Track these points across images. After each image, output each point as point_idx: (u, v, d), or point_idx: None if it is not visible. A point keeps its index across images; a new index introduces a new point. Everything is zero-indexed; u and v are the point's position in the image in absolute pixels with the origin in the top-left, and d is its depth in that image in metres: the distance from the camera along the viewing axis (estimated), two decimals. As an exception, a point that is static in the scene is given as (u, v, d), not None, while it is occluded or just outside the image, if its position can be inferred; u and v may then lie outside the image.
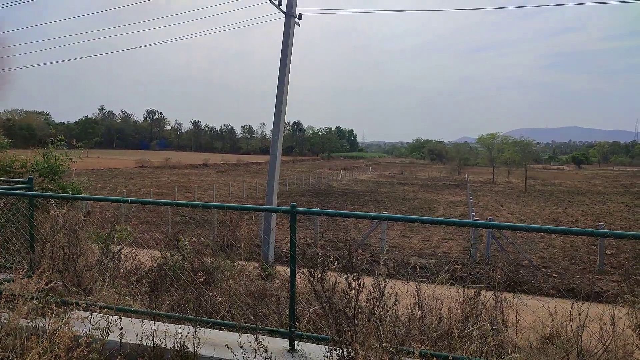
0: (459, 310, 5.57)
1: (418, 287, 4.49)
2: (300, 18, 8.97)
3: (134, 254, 7.11)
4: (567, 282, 10.33)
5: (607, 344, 3.93)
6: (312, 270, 2.98)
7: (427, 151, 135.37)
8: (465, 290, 5.65)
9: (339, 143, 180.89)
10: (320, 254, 2.98)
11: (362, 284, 2.98)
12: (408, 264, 11.50)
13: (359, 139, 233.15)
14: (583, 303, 4.88)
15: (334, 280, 3.11)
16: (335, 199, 32.48)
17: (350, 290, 2.91)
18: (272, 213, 7.21)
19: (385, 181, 55.84)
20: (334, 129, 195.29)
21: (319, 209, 17.88)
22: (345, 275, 2.91)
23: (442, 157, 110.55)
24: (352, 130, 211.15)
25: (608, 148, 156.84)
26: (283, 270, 7.82)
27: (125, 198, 4.58)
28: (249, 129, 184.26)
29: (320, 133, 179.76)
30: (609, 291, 9.76)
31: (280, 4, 8.56)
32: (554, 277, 11.01)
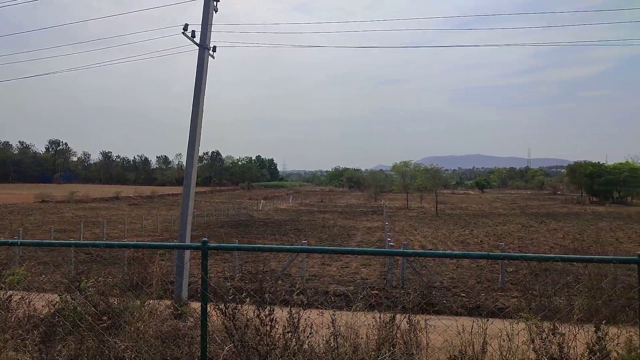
0: (375, 336, 5.69)
1: (333, 316, 4.52)
2: (214, 50, 8.94)
3: (27, 300, 6.43)
4: (473, 301, 10.99)
5: (507, 358, 4.22)
6: (224, 308, 2.88)
7: (345, 179, 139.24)
8: (381, 316, 5.80)
9: (259, 172, 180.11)
10: (231, 290, 2.90)
11: (274, 319, 2.94)
12: (327, 292, 11.56)
13: (279, 168, 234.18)
14: (487, 320, 5.24)
15: (250, 315, 3.04)
16: (255, 229, 32.04)
17: (263, 327, 2.86)
18: (193, 249, 6.91)
19: (306, 209, 56.28)
20: (254, 158, 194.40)
21: (232, 244, 17.52)
22: (257, 311, 2.85)
23: (360, 185, 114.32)
24: (272, 160, 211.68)
25: (506, 173, 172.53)
26: (198, 307, 7.47)
27: (14, 240, 4.15)
28: (164, 159, 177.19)
29: (240, 162, 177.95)
30: (509, 307, 10.53)
31: (193, 36, 8.48)
32: (462, 296, 11.66)
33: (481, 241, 24.94)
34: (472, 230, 31.22)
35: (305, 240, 22.34)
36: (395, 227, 32.93)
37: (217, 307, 3.00)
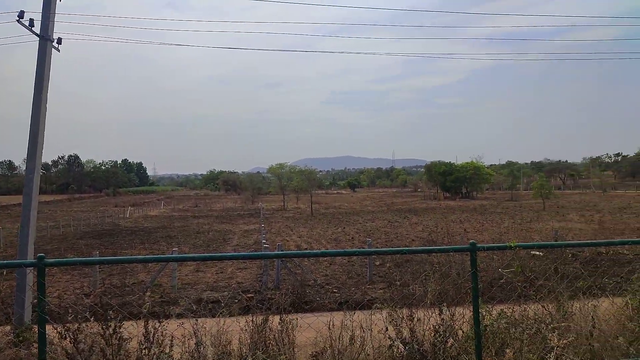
0: (249, 340, 5.62)
1: (195, 326, 4.34)
2: (60, 43, 7.95)
3: None
4: (344, 295, 11.54)
5: (365, 347, 4.47)
6: (62, 330, 2.56)
7: (221, 182, 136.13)
8: (254, 319, 5.76)
9: (127, 177, 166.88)
10: (70, 309, 2.59)
11: (121, 337, 2.70)
12: (200, 300, 11.14)
13: (149, 172, 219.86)
14: (354, 313, 5.52)
15: (95, 334, 2.75)
16: (122, 238, 29.60)
17: (109, 347, 2.61)
18: (27, 267, 5.99)
19: (179, 215, 53.72)
20: (120, 162, 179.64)
21: (74, 259, 16.05)
22: (102, 331, 2.59)
23: (237, 188, 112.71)
24: (141, 163, 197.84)
25: (374, 173, 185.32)
26: (49, 330, 6.60)
27: None
28: (9, 165, 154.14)
29: (103, 167, 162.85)
30: (377, 298, 11.29)
31: (32, 25, 7.44)
32: (334, 292, 12.18)
33: (352, 238, 26.34)
34: (344, 228, 32.83)
35: (176, 248, 21.30)
36: (272, 229, 33.15)
37: (56, 330, 2.66)
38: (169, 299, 12.01)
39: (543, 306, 4.61)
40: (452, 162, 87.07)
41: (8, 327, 6.19)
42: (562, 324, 4.32)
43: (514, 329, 4.37)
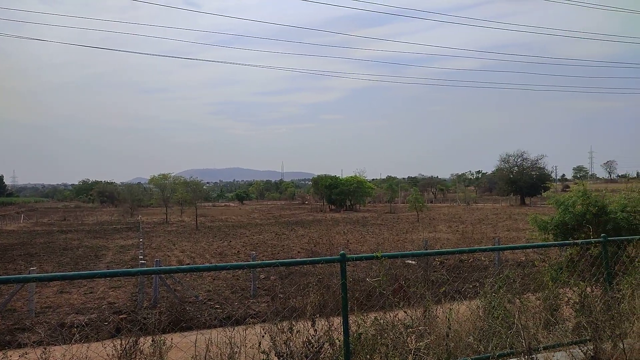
0: (114, 365, 5.18)
1: (43, 354, 3.88)
2: None
3: None
4: (227, 311, 11.25)
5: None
6: None
7: (96, 193, 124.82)
8: (122, 342, 5.33)
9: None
10: None
11: None
12: (63, 324, 10.00)
13: (7, 181, 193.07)
14: (233, 329, 5.38)
15: None
16: (-34, 258, 25.43)
17: None
18: None
19: (43, 230, 47.93)
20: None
21: None
22: None
23: (114, 199, 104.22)
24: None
25: (263, 186, 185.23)
26: None
27: None
28: None
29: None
30: (259, 312, 11.20)
31: None
32: (217, 308, 11.81)
33: (238, 251, 25.90)
34: (230, 241, 32.15)
35: (35, 267, 18.94)
36: (152, 244, 31.17)
37: None
38: (24, 326, 10.59)
39: (405, 311, 4.97)
40: (337, 175, 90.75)
41: None
42: (421, 327, 4.70)
43: (382, 335, 4.62)
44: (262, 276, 16.23)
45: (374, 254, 4.63)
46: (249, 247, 27.49)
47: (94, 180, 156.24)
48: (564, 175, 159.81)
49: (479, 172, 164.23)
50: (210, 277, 16.62)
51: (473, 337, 4.87)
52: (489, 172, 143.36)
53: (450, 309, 5.09)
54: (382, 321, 4.86)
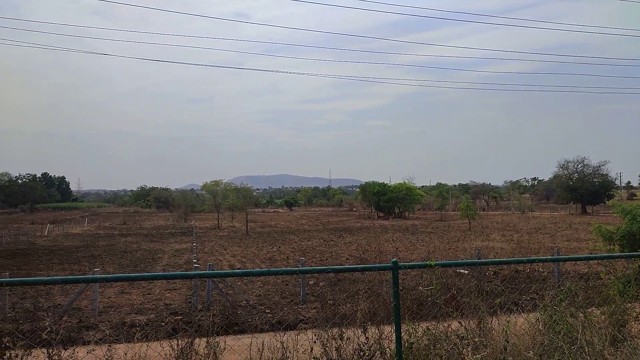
0: (173, 365, 5.37)
1: (108, 352, 4.08)
2: (-31, 44, 7.34)
3: None
4: (277, 316, 11.38)
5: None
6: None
7: (152, 199, 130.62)
8: (179, 342, 5.52)
9: (46, 192, 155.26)
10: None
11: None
12: (124, 323, 10.50)
13: (73, 187, 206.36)
14: (284, 334, 5.45)
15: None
16: (38, 258, 27.37)
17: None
18: None
19: (105, 233, 50.70)
20: (39, 176, 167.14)
21: None
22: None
23: (169, 205, 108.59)
24: (63, 178, 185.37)
25: (311, 192, 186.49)
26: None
27: None
28: None
29: (20, 181, 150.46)
30: (309, 318, 11.25)
31: None
32: (267, 312, 11.98)
33: (287, 257, 26.19)
34: (279, 247, 32.58)
35: (98, 268, 20.02)
36: (204, 248, 32.17)
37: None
38: (88, 324, 11.21)
39: (461, 322, 4.83)
40: (385, 182, 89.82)
41: None
42: (477, 340, 4.55)
43: (435, 346, 4.52)
44: (311, 282, 16.31)
45: (427, 262, 4.54)
46: (297, 253, 27.73)
47: (150, 186, 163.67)
48: (629, 182, 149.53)
49: (534, 178, 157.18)
50: (260, 282, 16.90)
51: (533, 351, 4.66)
52: (546, 179, 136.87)
53: (508, 322, 4.89)
54: (435, 331, 4.75)
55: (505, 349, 4.51)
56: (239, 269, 21.63)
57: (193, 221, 69.36)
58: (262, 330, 10.26)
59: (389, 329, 5.43)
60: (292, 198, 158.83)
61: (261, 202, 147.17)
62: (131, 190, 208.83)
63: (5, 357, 2.41)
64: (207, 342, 5.61)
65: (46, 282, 2.92)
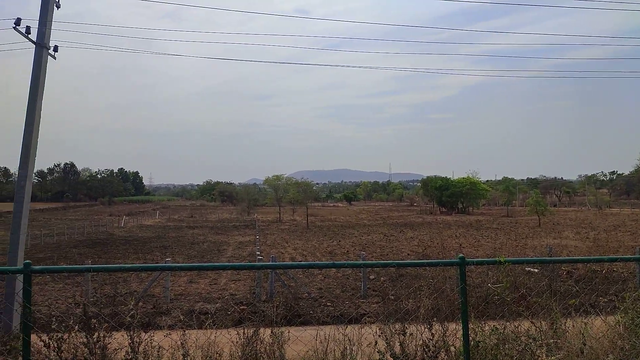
0: (239, 353, 5.57)
1: (182, 337, 4.30)
2: (56, 50, 7.99)
3: None
4: (338, 309, 11.46)
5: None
6: (47, 339, 2.54)
7: (217, 193, 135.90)
8: (245, 331, 5.71)
9: (123, 186, 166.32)
10: (55, 318, 2.57)
11: (104, 346, 2.68)
12: (192, 311, 11.05)
13: (145, 181, 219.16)
14: (346, 327, 5.48)
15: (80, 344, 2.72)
16: (115, 247, 29.42)
17: (92, 356, 2.58)
18: (14, 273, 5.96)
19: (174, 225, 53.49)
20: (116, 171, 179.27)
21: (61, 266, 15.89)
22: (85, 340, 2.57)
23: (233, 199, 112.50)
24: (137, 173, 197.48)
25: (370, 187, 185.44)
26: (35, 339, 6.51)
27: None
28: (4, 172, 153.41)
29: (99, 176, 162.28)
30: (371, 312, 11.22)
31: (28, 32, 7.48)
32: (328, 305, 12.10)
33: (347, 251, 26.26)
34: (339, 241, 32.73)
35: (170, 258, 21.17)
36: (267, 241, 33.02)
37: (40, 339, 2.63)
38: (161, 310, 11.90)
39: (533, 322, 4.59)
40: (448, 177, 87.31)
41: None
42: (552, 341, 4.31)
43: (504, 346, 4.34)
44: (372, 277, 16.25)
45: (496, 258, 4.36)
46: (357, 248, 27.73)
47: (215, 181, 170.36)
48: None
49: (613, 172, 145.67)
50: (321, 275, 17.09)
51: (612, 355, 4.34)
52: (626, 172, 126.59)
53: (585, 323, 4.59)
54: (505, 330, 4.56)
55: (582, 352, 4.24)
56: (299, 261, 22.00)
57: (255, 214, 71.41)
58: (324, 323, 10.39)
59: (453, 327, 5.29)
60: (351, 192, 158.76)
61: (321, 196, 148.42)
62: (197, 185, 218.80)
63: (94, 337, 2.62)
64: (272, 332, 5.75)
65: (128, 269, 3.13)
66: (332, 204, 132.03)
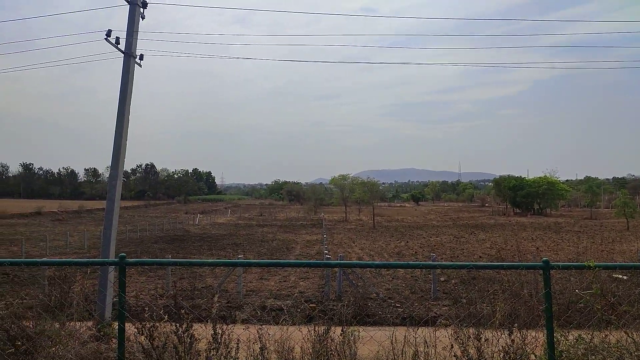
0: (310, 349, 5.66)
1: (260, 331, 4.44)
2: (142, 59, 8.63)
3: None
4: (408, 311, 11.27)
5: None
6: (140, 326, 2.73)
7: (285, 192, 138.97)
8: (316, 329, 5.78)
9: (197, 186, 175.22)
10: (147, 308, 2.76)
11: (192, 335, 2.83)
12: (264, 307, 11.38)
13: (217, 181, 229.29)
14: (417, 329, 5.38)
15: (169, 332, 2.91)
16: (191, 244, 31.03)
17: (181, 344, 2.74)
18: (110, 265, 6.52)
19: (245, 223, 55.42)
20: (190, 171, 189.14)
21: (152, 259, 16.84)
22: (175, 329, 2.73)
23: (300, 198, 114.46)
24: (210, 173, 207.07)
25: (439, 187, 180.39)
26: (127, 326, 7.05)
27: None
28: (93, 172, 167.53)
29: (176, 176, 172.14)
30: (442, 315, 10.92)
31: (118, 42, 8.14)
32: (397, 306, 11.94)
33: (416, 252, 25.75)
34: (407, 241, 32.18)
35: (242, 255, 21.95)
36: (334, 240, 33.23)
37: (134, 326, 2.84)
38: (235, 304, 12.38)
39: (626, 332, 4.23)
40: (523, 176, 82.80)
41: (90, 323, 6.69)
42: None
43: (593, 357, 4.04)
44: (442, 279, 15.82)
45: (585, 262, 4.07)
46: (426, 249, 27.11)
47: (283, 180, 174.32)
48: None
49: None
50: (389, 276, 16.90)
51: None
52: None
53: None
54: (592, 340, 4.25)
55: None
56: (366, 261, 21.91)
57: (322, 214, 72.11)
58: (393, 324, 10.28)
59: (532, 334, 5.02)
60: (418, 192, 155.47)
61: (387, 196, 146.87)
62: (266, 184, 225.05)
63: (183, 327, 2.79)
64: (342, 330, 5.77)
65: (210, 264, 3.30)
66: (398, 204, 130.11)
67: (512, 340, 4.07)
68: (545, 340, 4.29)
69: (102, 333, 6.11)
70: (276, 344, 4.85)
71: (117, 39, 8.09)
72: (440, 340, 4.62)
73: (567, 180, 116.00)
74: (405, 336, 5.07)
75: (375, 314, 10.90)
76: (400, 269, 17.76)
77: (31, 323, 5.88)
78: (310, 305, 11.65)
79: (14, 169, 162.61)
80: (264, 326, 5.09)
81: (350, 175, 69.35)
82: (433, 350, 4.44)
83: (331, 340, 5.71)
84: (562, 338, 4.77)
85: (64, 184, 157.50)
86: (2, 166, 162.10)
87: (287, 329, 5.82)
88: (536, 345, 4.96)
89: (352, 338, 5.67)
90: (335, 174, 68.41)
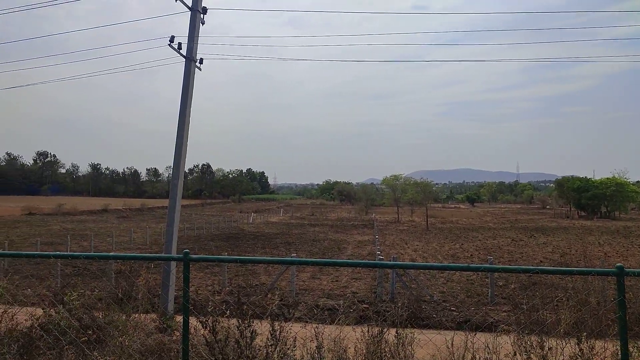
0: (364, 350, 5.65)
1: (317, 329, 4.48)
2: (201, 62, 8.99)
3: (9, 314, 6.30)
4: (463, 315, 10.95)
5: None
6: (205, 320, 2.84)
7: (336, 192, 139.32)
8: (370, 330, 5.76)
9: (250, 185, 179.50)
10: (210, 303, 2.87)
11: (253, 330, 2.91)
12: (317, 306, 11.47)
13: (270, 181, 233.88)
14: (474, 334, 5.22)
15: (230, 327, 3.01)
16: (246, 242, 31.84)
17: (243, 339, 2.82)
18: (174, 261, 6.84)
19: (297, 223, 56.10)
20: (244, 171, 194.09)
21: (213, 256, 17.28)
22: (238, 324, 2.82)
23: (351, 198, 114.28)
24: (263, 173, 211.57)
25: (496, 188, 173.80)
26: (191, 320, 7.36)
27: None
28: (154, 172, 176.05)
29: (230, 175, 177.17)
30: (499, 321, 10.52)
31: (180, 47, 8.52)
32: (452, 310, 11.63)
33: (471, 255, 24.98)
34: (462, 244, 31.28)
35: (295, 253, 22.23)
36: (386, 241, 32.90)
37: (198, 320, 2.96)
38: (288, 303, 12.56)
39: None
40: (588, 177, 78.07)
41: (154, 315, 7.04)
42: None
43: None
44: (500, 283, 15.24)
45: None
46: (482, 252, 26.22)
47: (334, 180, 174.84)
48: None
49: None
50: (443, 279, 16.51)
51: None
52: None
53: None
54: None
55: None
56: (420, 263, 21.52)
57: (373, 214, 71.58)
58: (448, 328, 10.02)
59: (600, 344, 4.73)
60: (474, 193, 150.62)
61: (441, 197, 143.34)
62: (317, 184, 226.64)
63: (245, 322, 2.88)
64: (397, 332, 5.70)
65: (269, 261, 3.38)
66: (453, 205, 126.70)
67: (581, 350, 3.85)
68: (617, 351, 4.03)
69: (165, 325, 6.41)
70: (332, 343, 4.87)
71: (180, 44, 8.49)
72: (503, 347, 4.45)
73: (638, 182, 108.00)
74: (465, 341, 4.94)
75: (430, 317, 10.67)
76: (455, 272, 17.29)
77: (101, 314, 6.29)
78: (363, 306, 11.61)
79: (84, 168, 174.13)
80: (319, 325, 5.14)
81: (403, 176, 68.46)
82: (495, 357, 4.29)
83: (385, 342, 5.67)
84: (634, 350, 4.47)
85: (127, 183, 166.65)
86: (73, 166, 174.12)
87: (342, 329, 5.84)
88: (605, 356, 4.67)
89: (407, 340, 5.60)
90: (387, 174, 67.76)
